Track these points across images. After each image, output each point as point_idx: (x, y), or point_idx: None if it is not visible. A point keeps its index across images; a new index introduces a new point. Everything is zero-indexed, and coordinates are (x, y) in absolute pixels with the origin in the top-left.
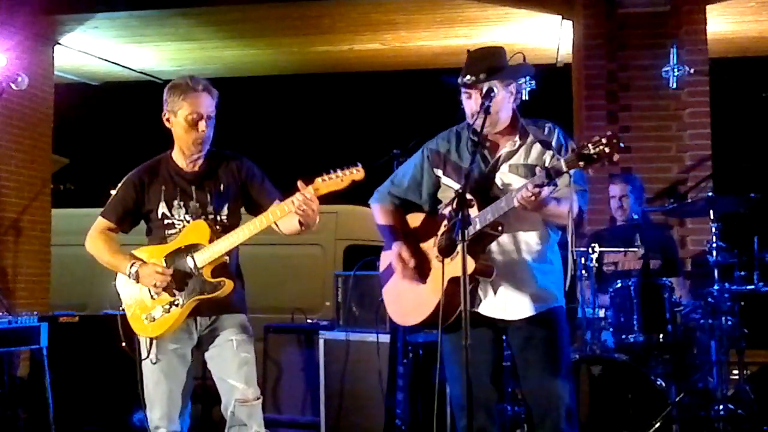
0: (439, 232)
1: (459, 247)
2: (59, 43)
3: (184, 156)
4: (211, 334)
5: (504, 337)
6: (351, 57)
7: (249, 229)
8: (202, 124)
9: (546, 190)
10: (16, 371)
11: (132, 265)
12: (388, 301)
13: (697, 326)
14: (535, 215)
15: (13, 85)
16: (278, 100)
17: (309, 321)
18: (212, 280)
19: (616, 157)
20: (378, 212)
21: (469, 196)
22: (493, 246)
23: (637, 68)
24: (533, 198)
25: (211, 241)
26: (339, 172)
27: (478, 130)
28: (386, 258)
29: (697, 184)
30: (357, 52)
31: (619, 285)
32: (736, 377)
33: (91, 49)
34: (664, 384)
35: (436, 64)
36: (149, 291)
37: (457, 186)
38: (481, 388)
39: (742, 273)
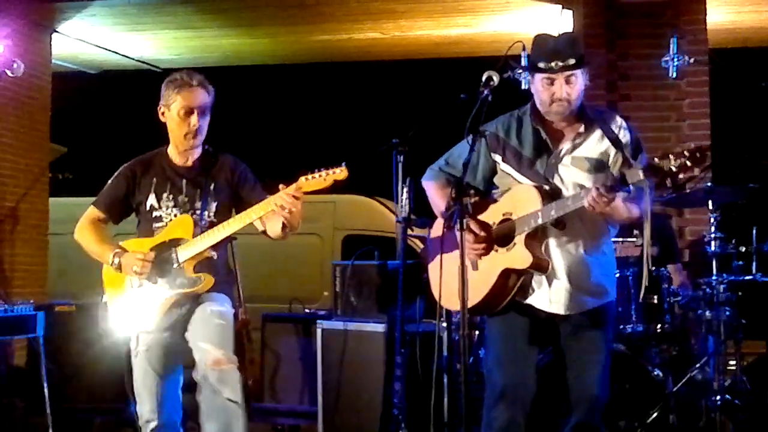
0: (497, 220)
1: (516, 239)
2: (57, 31)
3: (177, 151)
4: (192, 311)
5: (550, 331)
6: (350, 46)
7: (231, 225)
8: (193, 119)
9: (619, 196)
10: (13, 360)
11: (115, 255)
12: (433, 282)
13: (695, 317)
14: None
15: (9, 72)
16: (277, 90)
17: (307, 311)
18: (193, 275)
19: (696, 170)
20: (432, 189)
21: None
22: (552, 238)
23: (637, 58)
24: (604, 202)
25: (194, 236)
26: (323, 171)
27: (555, 116)
28: (436, 236)
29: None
30: (356, 42)
31: (617, 274)
32: (734, 368)
33: (89, 37)
34: (661, 374)
35: (436, 53)
36: (132, 283)
37: (516, 174)
38: (524, 380)
39: (740, 263)
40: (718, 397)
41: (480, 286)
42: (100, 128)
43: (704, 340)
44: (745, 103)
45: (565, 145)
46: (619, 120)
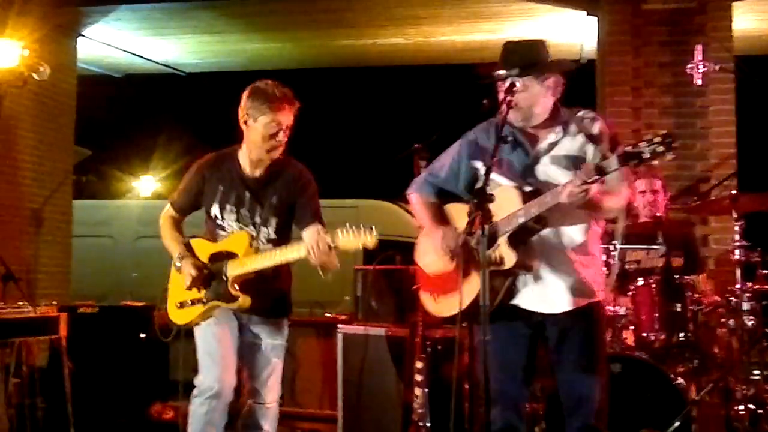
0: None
1: (499, 240)
2: (82, 35)
3: (250, 158)
4: (252, 323)
5: (538, 334)
6: (374, 51)
7: (276, 257)
8: (280, 135)
9: (594, 186)
10: (35, 361)
11: (179, 257)
12: (423, 292)
13: (719, 325)
14: (584, 207)
15: (35, 75)
16: (300, 94)
17: (327, 315)
18: (234, 292)
19: (669, 156)
20: (416, 202)
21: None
22: (535, 237)
23: (662, 65)
24: (581, 193)
25: (246, 254)
26: (355, 231)
27: (500, 124)
28: (424, 247)
29: (720, 182)
30: (380, 47)
31: (641, 283)
32: (758, 377)
33: (114, 41)
34: (684, 383)
35: (459, 59)
36: (186, 282)
37: (497, 178)
38: (513, 384)
39: (765, 272)
40: (742, 407)
41: (468, 291)
42: (124, 131)
43: (728, 349)
44: None
45: (542, 146)
46: (595, 117)
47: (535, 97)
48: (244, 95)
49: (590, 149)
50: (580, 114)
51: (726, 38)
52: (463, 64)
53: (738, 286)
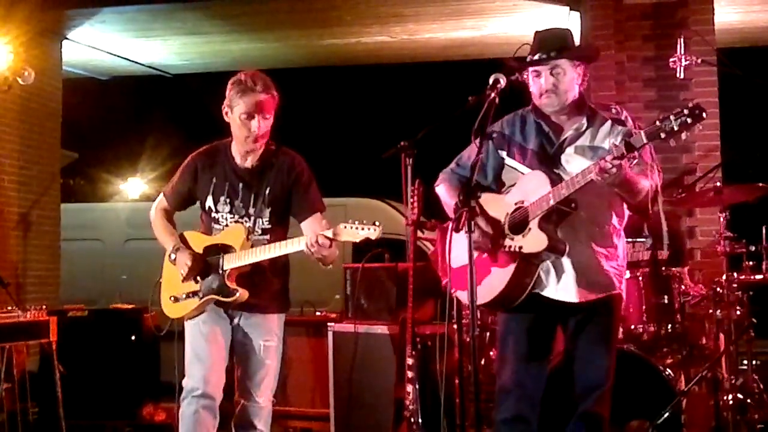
0: (510, 210)
1: (530, 224)
2: (67, 38)
3: (239, 152)
4: (245, 322)
5: (558, 324)
6: (359, 50)
7: (274, 250)
8: (254, 123)
9: (626, 162)
10: (26, 365)
11: (173, 249)
12: (455, 280)
13: (706, 316)
14: (606, 198)
15: (20, 80)
16: (286, 94)
17: (318, 314)
18: (231, 285)
19: (698, 128)
20: (445, 191)
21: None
22: (563, 226)
23: (645, 59)
24: (613, 170)
25: (242, 248)
26: (360, 225)
27: (546, 108)
28: (455, 235)
29: (705, 174)
30: (365, 45)
31: (628, 276)
32: (745, 367)
33: (99, 44)
34: (672, 374)
35: (444, 56)
36: (181, 275)
37: (522, 167)
38: (530, 376)
39: (751, 263)
40: (730, 397)
41: (501, 277)
42: (111, 134)
43: (715, 340)
44: (754, 103)
45: (568, 136)
46: (617, 107)
47: (569, 83)
48: (227, 87)
49: (614, 137)
50: (607, 107)
51: (708, 31)
52: (447, 62)
53: (724, 277)
